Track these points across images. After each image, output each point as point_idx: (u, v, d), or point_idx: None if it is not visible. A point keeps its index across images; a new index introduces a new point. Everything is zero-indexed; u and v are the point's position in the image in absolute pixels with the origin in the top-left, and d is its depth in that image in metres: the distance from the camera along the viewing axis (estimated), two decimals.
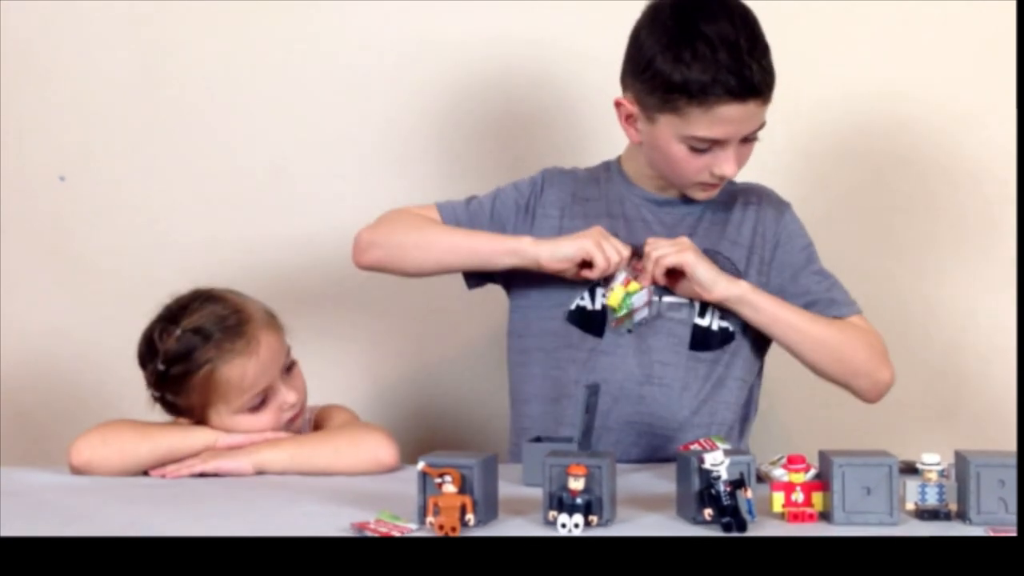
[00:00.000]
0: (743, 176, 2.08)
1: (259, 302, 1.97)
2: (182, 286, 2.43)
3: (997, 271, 2.41)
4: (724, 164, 1.91)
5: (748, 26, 1.87)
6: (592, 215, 2.04)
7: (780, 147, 2.43)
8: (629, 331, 1.95)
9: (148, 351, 1.96)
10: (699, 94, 1.84)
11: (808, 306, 2.00)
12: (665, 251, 1.89)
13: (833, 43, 2.43)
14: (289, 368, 1.97)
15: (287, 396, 1.95)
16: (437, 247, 2.01)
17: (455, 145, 2.49)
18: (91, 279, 2.51)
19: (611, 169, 2.09)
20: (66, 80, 2.50)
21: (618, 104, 1.97)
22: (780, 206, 2.06)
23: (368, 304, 2.49)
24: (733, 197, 2.05)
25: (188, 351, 1.90)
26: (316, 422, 2.04)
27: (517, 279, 2.04)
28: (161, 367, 1.92)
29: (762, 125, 1.91)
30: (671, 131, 1.89)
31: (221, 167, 2.49)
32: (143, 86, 2.49)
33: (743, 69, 1.83)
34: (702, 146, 1.90)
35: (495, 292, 2.15)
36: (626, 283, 1.90)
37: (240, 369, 1.89)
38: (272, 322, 1.96)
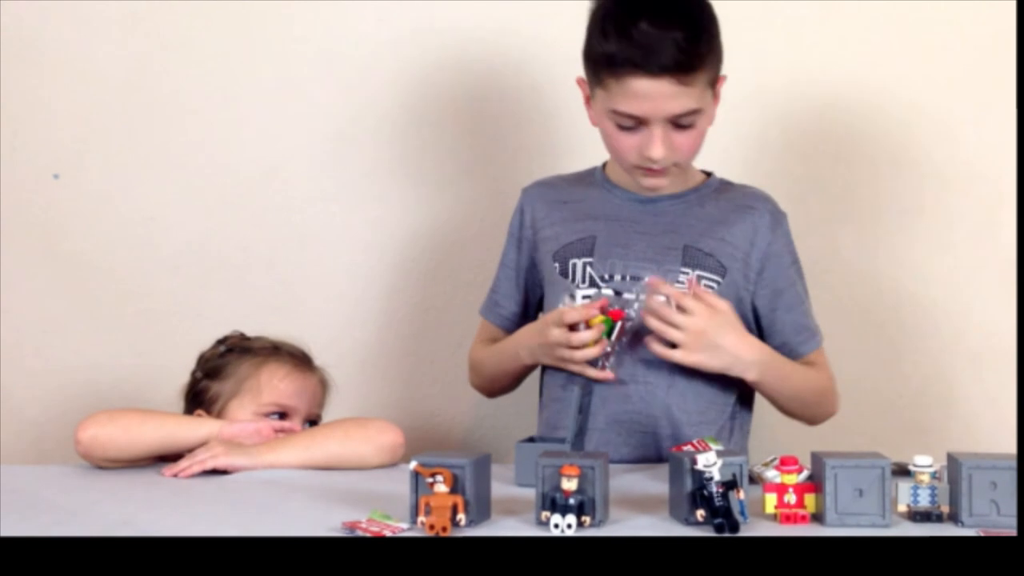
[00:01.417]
0: (732, 172, 2.09)
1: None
2: (176, 284, 2.45)
3: (991, 273, 2.41)
4: (650, 145, 1.91)
5: (682, 5, 1.89)
6: (572, 217, 2.06)
7: (775, 148, 2.43)
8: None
9: (218, 342, 2.10)
10: (614, 65, 1.88)
11: (784, 329, 2.01)
12: (679, 354, 1.88)
13: (829, 42, 2.42)
14: (313, 424, 2.06)
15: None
16: (501, 377, 2.12)
17: (452, 143, 2.48)
18: (85, 277, 2.50)
19: (595, 174, 2.11)
20: (61, 78, 2.49)
21: (579, 83, 2.01)
22: (777, 216, 2.04)
23: (362, 302, 2.49)
24: (729, 197, 2.04)
25: (246, 348, 2.07)
26: None
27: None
28: (222, 348, 2.07)
29: (695, 112, 1.90)
30: (602, 106, 1.93)
31: (215, 165, 2.49)
32: (137, 84, 2.49)
33: (655, 44, 1.84)
34: (627, 123, 1.91)
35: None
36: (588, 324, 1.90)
37: (285, 371, 2.03)
38: (325, 383, 2.10)
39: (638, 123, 1.90)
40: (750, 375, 1.93)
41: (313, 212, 2.48)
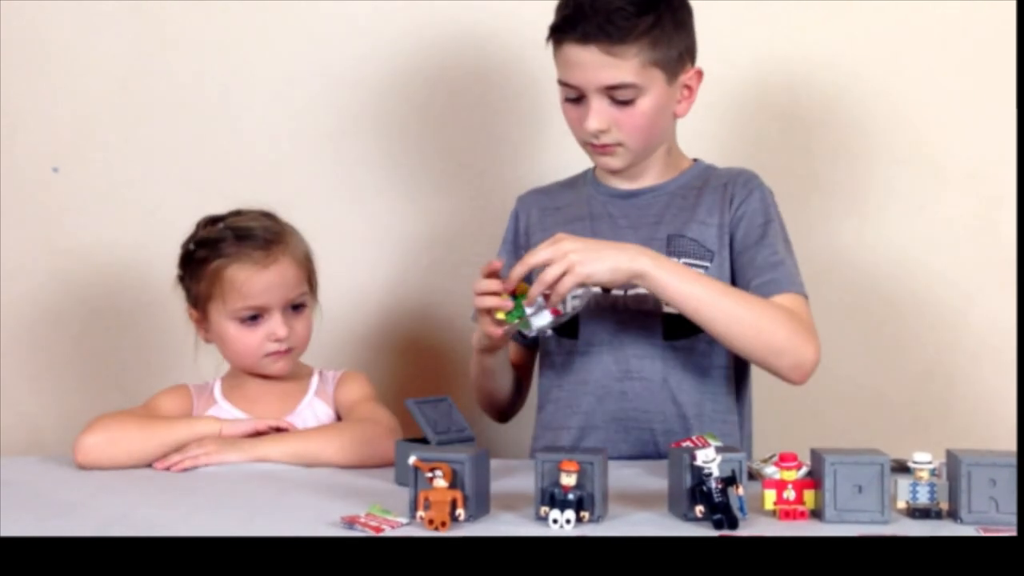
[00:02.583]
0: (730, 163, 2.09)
1: (306, 243, 2.09)
2: (176, 278, 2.44)
3: (991, 270, 2.41)
4: (587, 117, 1.92)
5: None
6: (562, 221, 2.05)
7: (777, 145, 2.43)
8: (524, 334, 1.93)
9: (192, 233, 2.08)
10: (554, 33, 1.93)
11: (750, 280, 1.92)
12: (552, 273, 1.76)
13: (831, 39, 2.42)
14: (298, 308, 2.05)
15: (278, 328, 2.01)
16: (482, 379, 2.09)
17: (451, 141, 2.49)
18: (84, 271, 2.50)
19: (587, 175, 2.11)
20: (60, 72, 2.49)
21: None
22: (750, 184, 2.00)
23: (361, 298, 2.49)
24: (708, 181, 2.03)
25: (215, 241, 2.02)
26: (338, 386, 2.10)
27: None
28: (191, 247, 2.06)
29: (631, 87, 1.89)
30: (556, 79, 1.95)
31: (215, 160, 2.49)
32: (137, 79, 2.49)
33: (591, 14, 1.87)
34: (570, 94, 1.93)
35: None
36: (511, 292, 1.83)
37: (246, 274, 1.99)
38: (302, 259, 2.07)
39: (579, 95, 1.92)
40: (640, 264, 1.79)
41: (311, 208, 2.46)
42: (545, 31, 1.96)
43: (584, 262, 1.77)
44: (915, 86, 2.42)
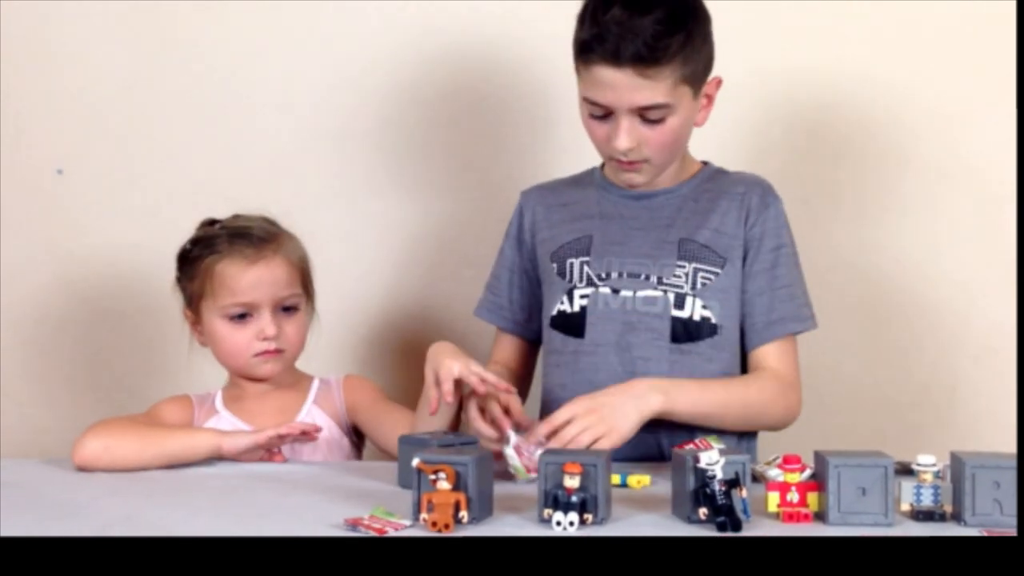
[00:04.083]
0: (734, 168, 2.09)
1: (303, 248, 2.10)
2: None
3: (992, 272, 2.40)
4: (616, 136, 1.89)
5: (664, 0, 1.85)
6: (569, 218, 2.05)
7: (779, 147, 2.43)
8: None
9: (195, 232, 2.10)
10: (583, 52, 1.87)
11: (752, 312, 1.97)
12: (587, 438, 1.75)
13: (833, 41, 2.42)
14: (290, 311, 2.05)
15: (268, 326, 2.02)
16: None
17: (454, 142, 2.48)
18: (87, 273, 2.50)
19: (593, 174, 2.10)
20: (65, 73, 2.49)
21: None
22: (767, 198, 2.01)
23: (364, 300, 2.49)
24: (722, 186, 2.03)
25: (210, 239, 2.05)
26: (347, 390, 2.10)
27: None
28: (187, 247, 2.07)
29: (663, 107, 1.87)
30: (580, 94, 1.92)
31: (218, 162, 2.48)
32: (141, 80, 2.49)
33: (624, 33, 1.82)
34: (597, 112, 1.90)
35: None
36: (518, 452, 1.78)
37: (235, 269, 2.01)
38: (295, 261, 2.07)
39: (607, 112, 1.89)
40: (656, 403, 1.82)
41: (314, 209, 2.47)
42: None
43: (616, 429, 1.77)
44: (916, 87, 2.41)
